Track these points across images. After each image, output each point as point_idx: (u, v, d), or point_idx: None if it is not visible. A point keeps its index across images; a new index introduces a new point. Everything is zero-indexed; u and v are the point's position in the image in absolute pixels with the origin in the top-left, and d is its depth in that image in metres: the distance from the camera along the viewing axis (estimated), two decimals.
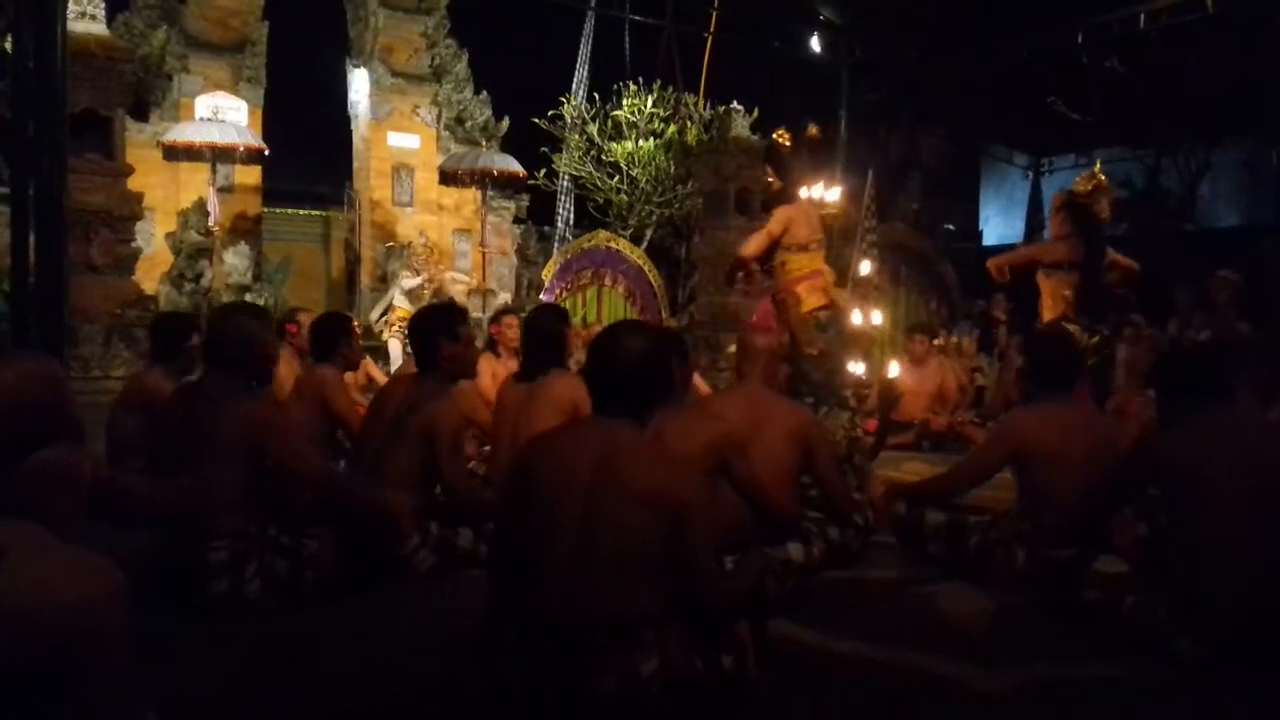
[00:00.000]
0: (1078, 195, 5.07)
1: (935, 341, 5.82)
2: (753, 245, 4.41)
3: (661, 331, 1.87)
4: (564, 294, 7.35)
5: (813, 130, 4.61)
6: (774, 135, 4.85)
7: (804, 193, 4.79)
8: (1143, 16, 8.32)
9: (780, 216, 4.39)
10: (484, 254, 9.09)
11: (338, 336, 3.38)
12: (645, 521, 1.62)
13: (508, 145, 9.81)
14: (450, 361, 2.71)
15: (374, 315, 8.21)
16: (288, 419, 2.52)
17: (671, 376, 1.82)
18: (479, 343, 5.23)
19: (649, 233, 9.81)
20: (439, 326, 2.74)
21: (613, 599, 1.62)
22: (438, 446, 2.61)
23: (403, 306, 7.68)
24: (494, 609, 1.75)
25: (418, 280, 7.99)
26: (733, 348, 3.23)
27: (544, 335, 3.14)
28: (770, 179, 4.75)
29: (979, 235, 14.98)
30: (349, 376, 3.68)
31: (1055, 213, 5.21)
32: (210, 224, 7.72)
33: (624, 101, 9.72)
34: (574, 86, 10.39)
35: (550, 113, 9.91)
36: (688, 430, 2.24)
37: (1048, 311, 5.02)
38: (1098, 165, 5.59)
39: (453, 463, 2.66)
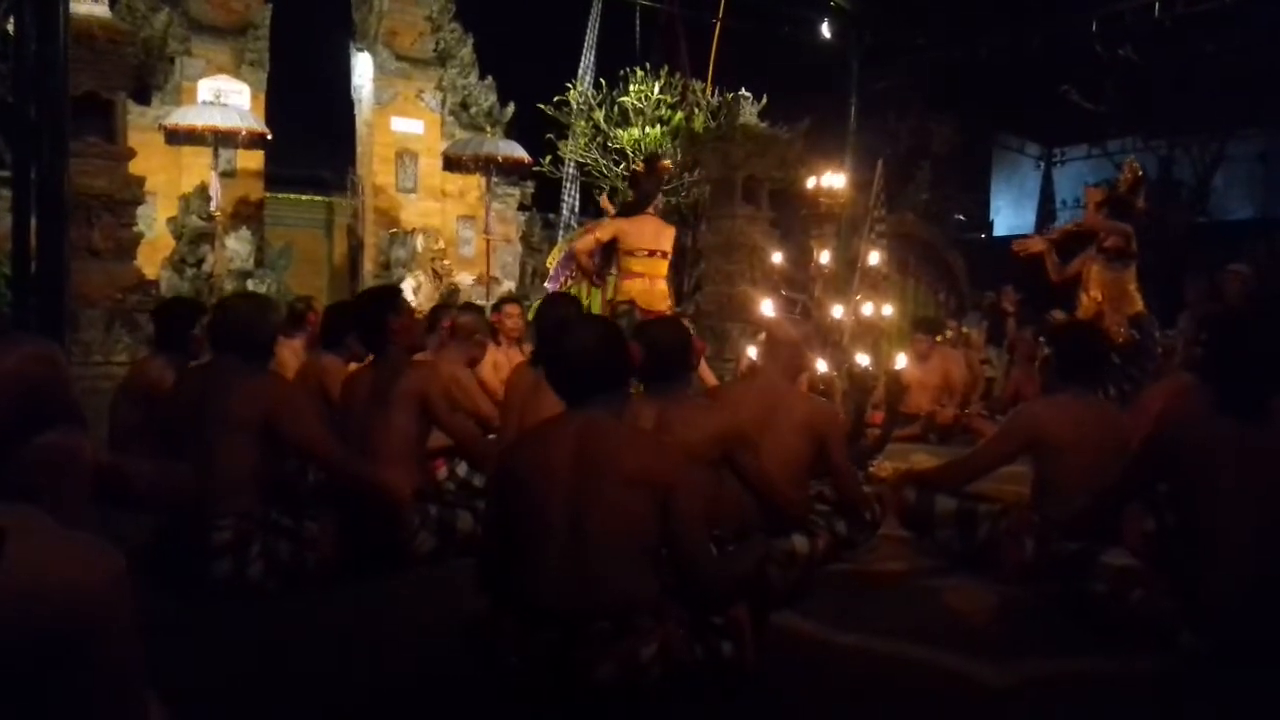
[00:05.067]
0: (1119, 190, 5.11)
1: (938, 339, 5.84)
2: (581, 243, 5.05)
3: (606, 319, 1.88)
4: (568, 282, 7.29)
5: (665, 163, 5.59)
6: (633, 167, 5.80)
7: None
8: (1157, 5, 8.20)
9: (610, 226, 4.98)
10: (488, 241, 9.04)
11: (346, 328, 3.39)
12: (633, 502, 1.62)
13: (513, 131, 9.73)
14: (401, 335, 2.80)
15: None
16: (301, 394, 2.57)
17: (629, 357, 1.82)
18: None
19: None
20: (386, 305, 2.84)
21: (610, 586, 1.62)
22: (434, 408, 2.71)
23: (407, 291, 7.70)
24: (490, 599, 1.74)
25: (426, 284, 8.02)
26: (739, 336, 3.21)
27: (556, 324, 3.15)
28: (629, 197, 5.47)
29: (989, 225, 14.87)
30: (353, 367, 3.68)
31: (1097, 208, 5.22)
32: (212, 209, 7.68)
33: (631, 88, 9.63)
34: (580, 72, 10.28)
35: (556, 99, 9.81)
36: (693, 420, 2.22)
37: (1127, 304, 5.10)
38: (1132, 159, 5.61)
39: (454, 418, 2.82)
